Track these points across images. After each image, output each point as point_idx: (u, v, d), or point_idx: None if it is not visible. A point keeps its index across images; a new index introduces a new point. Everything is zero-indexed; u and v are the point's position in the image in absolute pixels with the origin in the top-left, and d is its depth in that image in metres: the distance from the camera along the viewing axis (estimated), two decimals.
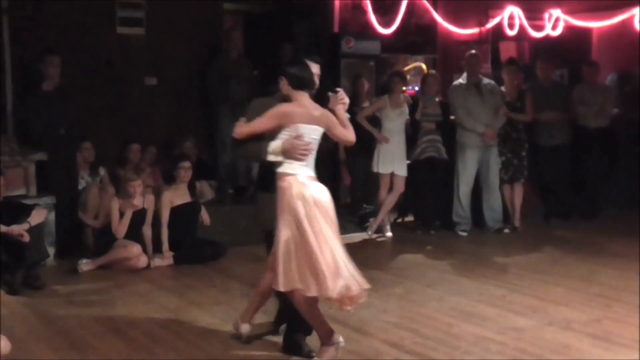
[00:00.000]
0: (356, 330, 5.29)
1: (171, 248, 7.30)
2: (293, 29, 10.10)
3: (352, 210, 9.06)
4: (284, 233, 4.49)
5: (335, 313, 5.58)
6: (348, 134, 4.78)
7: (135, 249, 7.08)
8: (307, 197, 4.48)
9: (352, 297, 4.51)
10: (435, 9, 10.63)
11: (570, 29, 11.24)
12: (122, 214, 7.19)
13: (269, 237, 4.76)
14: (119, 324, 5.48)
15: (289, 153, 4.52)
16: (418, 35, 10.63)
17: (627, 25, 10.73)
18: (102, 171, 8.02)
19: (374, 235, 8.38)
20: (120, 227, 7.14)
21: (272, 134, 4.60)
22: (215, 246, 7.44)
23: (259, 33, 9.78)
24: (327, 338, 4.68)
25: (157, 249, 7.32)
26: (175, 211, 7.38)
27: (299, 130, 4.54)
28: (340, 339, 4.71)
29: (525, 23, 11.00)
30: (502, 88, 8.73)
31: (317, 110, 4.64)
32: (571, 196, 9.31)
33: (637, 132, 9.94)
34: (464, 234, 8.55)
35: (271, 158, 4.57)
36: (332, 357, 4.65)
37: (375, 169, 8.31)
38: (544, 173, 9.10)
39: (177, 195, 7.45)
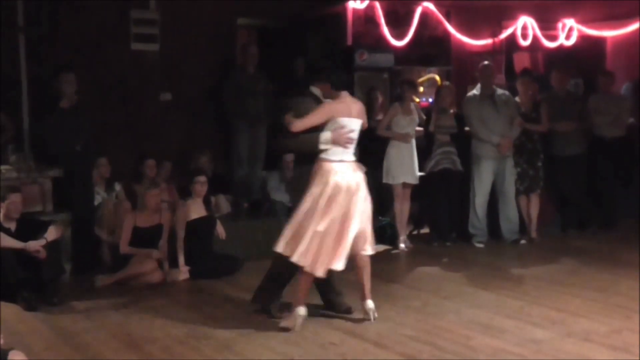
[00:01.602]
0: (374, 344, 5.26)
1: (187, 262, 7.31)
2: (307, 43, 10.13)
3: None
4: (305, 205, 5.43)
5: (352, 327, 5.59)
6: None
7: (151, 264, 7.10)
8: (335, 181, 5.42)
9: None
10: (449, 21, 10.64)
11: (584, 39, 11.21)
12: (138, 229, 7.21)
13: None
14: (135, 339, 5.48)
15: (337, 142, 5.50)
16: (431, 47, 10.63)
17: None
18: (117, 187, 8.05)
19: (392, 248, 8.37)
20: (123, 243, 7.18)
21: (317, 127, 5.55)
22: (231, 260, 7.44)
23: (272, 48, 9.80)
24: (297, 305, 5.52)
25: (174, 263, 7.32)
26: (191, 225, 7.39)
27: (342, 123, 5.52)
28: (302, 313, 5.50)
29: (539, 33, 10.98)
30: (517, 99, 8.70)
31: (355, 104, 5.71)
32: (588, 206, 9.25)
33: None
34: (481, 245, 8.51)
35: (322, 147, 5.50)
36: (292, 325, 5.48)
37: (385, 181, 8.29)
38: (560, 183, 9.05)
39: (192, 210, 7.46)
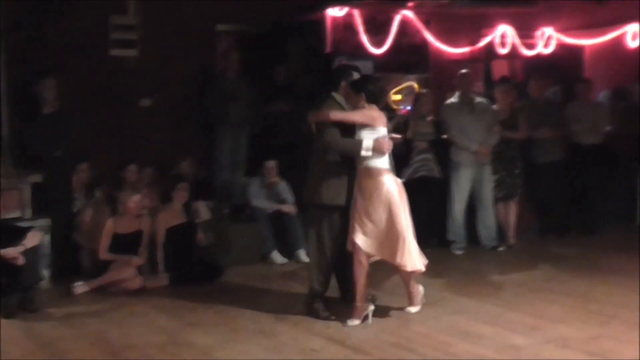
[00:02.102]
0: (354, 350, 5.28)
1: (167, 269, 7.29)
2: (287, 49, 10.14)
3: None
4: (374, 210, 5.82)
5: (333, 333, 5.60)
6: None
7: (131, 270, 7.07)
8: (387, 185, 5.84)
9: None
10: (427, 28, 10.67)
11: (562, 47, 11.29)
12: (117, 235, 7.18)
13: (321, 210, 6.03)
14: (115, 346, 5.46)
15: (379, 149, 5.78)
16: (410, 55, 10.64)
17: (618, 42, 10.79)
18: (97, 193, 8.00)
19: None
20: (102, 249, 7.13)
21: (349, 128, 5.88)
22: (211, 267, 7.43)
23: (252, 54, 9.80)
24: (362, 300, 5.85)
25: (153, 270, 7.30)
26: (171, 232, 7.37)
27: (381, 132, 5.84)
28: (372, 307, 5.88)
29: (517, 41, 11.05)
30: (495, 106, 8.76)
31: (384, 116, 6.00)
32: (567, 213, 9.33)
33: (633, 148, 10.00)
34: (460, 252, 8.55)
35: (363, 153, 5.78)
36: (361, 315, 5.85)
37: None
38: (539, 190, 9.12)
39: (172, 216, 7.45)
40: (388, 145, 5.86)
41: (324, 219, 6.06)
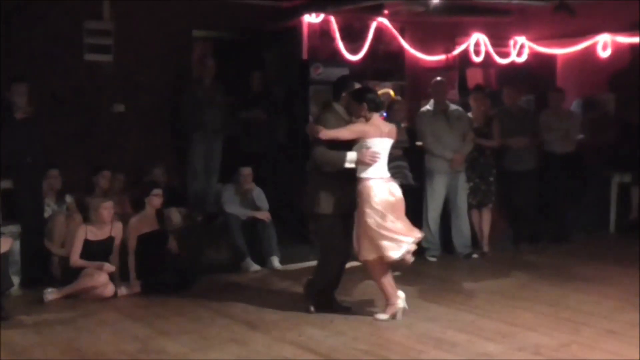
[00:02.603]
0: (325, 357, 5.27)
1: (139, 276, 7.23)
2: (263, 55, 10.14)
3: None
4: (364, 219, 5.97)
5: (306, 341, 5.59)
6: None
7: (102, 277, 7.00)
8: (376, 195, 5.98)
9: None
10: (403, 36, 10.73)
11: (535, 56, 11.40)
12: (89, 242, 7.12)
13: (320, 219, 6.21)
14: (86, 354, 5.40)
15: (361, 161, 5.96)
16: (386, 62, 10.70)
17: (590, 52, 10.90)
18: (68, 199, 7.93)
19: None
20: (73, 255, 7.07)
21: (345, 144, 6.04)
22: (183, 274, 7.37)
23: (228, 60, 9.78)
24: (391, 298, 6.12)
25: (125, 277, 7.24)
26: (143, 239, 7.31)
27: (369, 143, 5.99)
28: (401, 304, 6.10)
29: (491, 50, 11.14)
30: (470, 114, 8.81)
31: (385, 126, 6.18)
32: (540, 221, 9.39)
33: (605, 157, 10.11)
34: (433, 259, 8.57)
35: (347, 165, 5.99)
36: (393, 313, 6.10)
37: None
38: (512, 198, 9.19)
39: (144, 223, 7.39)
40: (369, 156, 5.96)
41: (324, 227, 6.26)
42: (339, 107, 6.23)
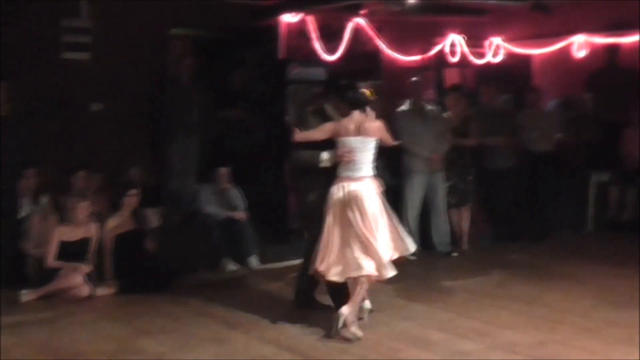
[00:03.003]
0: (304, 356, 5.27)
1: (116, 276, 7.19)
2: (242, 54, 10.12)
3: (300, 235, 9.04)
4: (327, 221, 5.78)
5: (285, 340, 5.59)
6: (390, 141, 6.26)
7: (78, 278, 6.96)
8: (344, 194, 5.78)
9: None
10: (380, 36, 10.75)
11: (512, 56, 11.48)
12: (65, 242, 7.07)
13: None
14: (63, 355, 5.37)
15: (338, 160, 5.87)
16: (363, 62, 10.71)
17: (565, 52, 11.00)
18: (44, 199, 7.86)
19: None
20: (49, 256, 7.02)
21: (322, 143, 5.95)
22: (160, 274, 7.34)
23: (206, 59, 9.75)
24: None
25: (102, 277, 7.20)
26: (120, 239, 7.28)
27: (341, 142, 5.85)
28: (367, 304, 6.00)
29: (467, 50, 11.20)
30: (447, 114, 8.85)
31: (366, 123, 5.92)
32: (519, 219, 9.45)
33: (583, 156, 10.19)
34: (412, 257, 8.54)
35: (322, 164, 5.97)
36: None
37: None
38: (491, 196, 9.24)
39: (121, 223, 7.36)
40: (341, 155, 5.86)
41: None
42: (329, 107, 6.21)
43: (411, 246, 6.12)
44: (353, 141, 5.89)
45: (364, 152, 5.92)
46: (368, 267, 5.67)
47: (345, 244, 5.75)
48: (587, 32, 10.73)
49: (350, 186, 5.83)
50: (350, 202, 5.78)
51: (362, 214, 5.76)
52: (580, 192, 10.09)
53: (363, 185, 5.86)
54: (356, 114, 5.98)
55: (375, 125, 6.03)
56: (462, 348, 5.44)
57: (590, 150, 10.16)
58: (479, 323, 6.02)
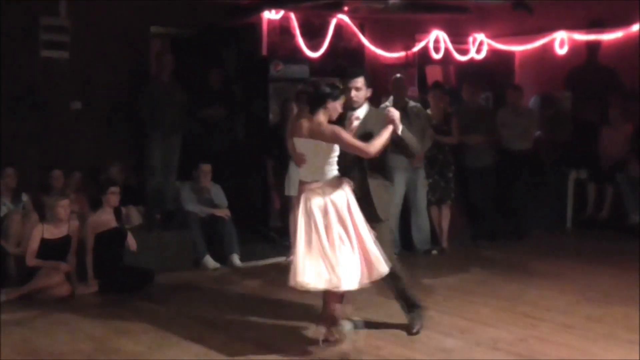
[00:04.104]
0: (284, 355, 5.26)
1: (96, 275, 7.15)
2: (222, 52, 10.08)
3: (282, 234, 9.03)
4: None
5: (262, 337, 5.57)
6: (360, 148, 5.41)
7: (58, 277, 6.92)
8: (302, 204, 5.31)
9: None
10: (363, 33, 10.76)
11: (494, 53, 11.51)
12: (45, 241, 7.02)
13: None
14: (42, 354, 5.34)
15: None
16: (346, 59, 10.71)
17: (547, 49, 11.04)
18: (25, 197, 7.81)
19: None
20: (29, 255, 6.97)
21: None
22: (142, 273, 7.30)
23: (187, 57, 9.71)
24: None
25: (82, 276, 7.15)
26: (101, 237, 7.24)
27: (295, 143, 5.39)
28: (347, 326, 5.67)
29: (451, 47, 11.22)
30: (429, 111, 8.85)
31: (317, 126, 5.25)
32: (498, 217, 9.47)
33: (561, 154, 10.23)
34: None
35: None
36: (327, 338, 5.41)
37: (287, 193, 8.23)
38: (470, 195, 9.26)
39: (102, 221, 7.31)
40: (296, 157, 5.43)
41: None
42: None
43: (383, 268, 5.43)
44: (298, 143, 5.37)
45: (309, 155, 5.34)
46: (326, 282, 5.22)
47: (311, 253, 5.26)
48: (568, 29, 10.78)
49: (306, 193, 5.32)
50: (313, 212, 5.27)
51: (327, 226, 5.26)
52: (559, 189, 10.14)
53: (329, 192, 5.30)
54: (318, 114, 5.31)
55: (311, 125, 5.29)
56: (444, 345, 5.46)
57: (568, 148, 10.20)
58: (460, 320, 6.04)
